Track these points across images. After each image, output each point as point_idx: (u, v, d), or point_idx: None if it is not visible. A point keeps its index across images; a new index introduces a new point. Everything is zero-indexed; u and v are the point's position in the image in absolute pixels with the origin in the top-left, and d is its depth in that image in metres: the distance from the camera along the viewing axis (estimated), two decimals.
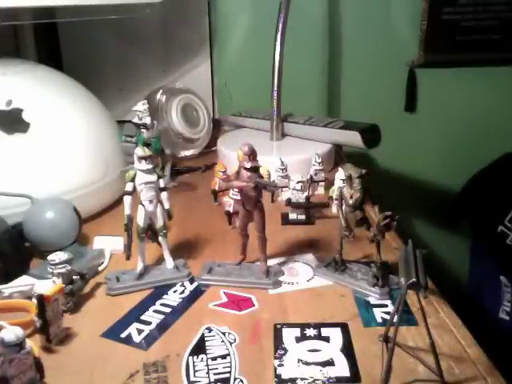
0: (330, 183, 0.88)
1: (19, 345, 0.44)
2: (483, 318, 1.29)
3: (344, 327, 0.57)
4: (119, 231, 0.69)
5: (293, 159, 0.94)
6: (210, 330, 0.57)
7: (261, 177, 0.64)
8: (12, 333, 0.44)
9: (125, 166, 0.90)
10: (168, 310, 0.62)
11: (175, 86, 1.18)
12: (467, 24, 1.30)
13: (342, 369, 0.51)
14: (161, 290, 0.65)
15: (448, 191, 1.42)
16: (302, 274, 0.68)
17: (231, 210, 0.78)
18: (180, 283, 0.67)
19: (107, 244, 0.74)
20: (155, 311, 0.61)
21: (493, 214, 1.30)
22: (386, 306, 0.61)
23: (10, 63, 0.85)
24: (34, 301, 0.54)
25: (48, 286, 0.57)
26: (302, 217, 0.83)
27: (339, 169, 0.72)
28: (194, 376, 0.50)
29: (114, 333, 0.58)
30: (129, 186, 0.64)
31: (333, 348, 0.54)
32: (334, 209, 0.68)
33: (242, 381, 0.50)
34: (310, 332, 0.57)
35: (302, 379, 0.50)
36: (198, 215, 0.86)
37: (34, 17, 0.97)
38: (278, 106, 1.04)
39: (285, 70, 1.02)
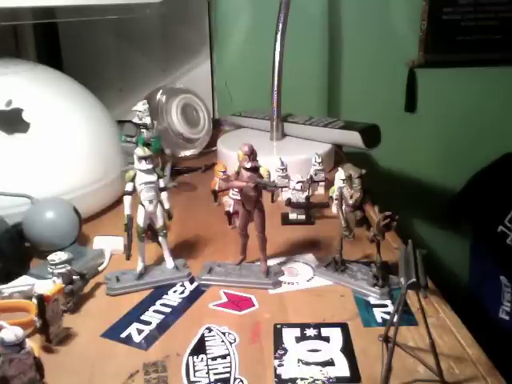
0: (329, 183, 0.88)
1: (19, 345, 0.44)
2: (483, 318, 1.28)
3: (344, 327, 0.57)
4: (119, 231, 0.69)
5: (293, 159, 0.94)
6: (210, 330, 0.57)
7: (261, 177, 0.64)
8: (12, 333, 0.44)
9: (125, 166, 0.90)
10: (168, 310, 0.62)
11: (175, 86, 1.18)
12: (467, 24, 1.30)
13: (341, 369, 0.51)
14: (161, 290, 0.65)
15: (448, 191, 1.42)
16: (302, 274, 0.68)
17: (231, 210, 0.78)
18: (180, 283, 0.67)
19: (107, 244, 0.74)
20: (155, 311, 0.61)
21: (493, 214, 1.30)
22: (386, 306, 0.61)
23: (10, 63, 0.85)
24: (34, 301, 0.54)
25: (48, 286, 0.57)
26: (302, 217, 0.83)
27: (339, 169, 0.72)
28: (194, 376, 0.50)
29: (114, 333, 0.58)
30: (129, 186, 0.64)
31: (333, 348, 0.54)
32: (334, 209, 0.68)
33: (241, 381, 0.50)
34: (310, 332, 0.57)
35: (302, 379, 0.50)
36: (197, 215, 0.86)
37: (34, 17, 0.97)
38: (277, 106, 1.04)
39: (285, 69, 1.02)
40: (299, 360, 0.52)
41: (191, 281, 0.67)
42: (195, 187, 0.99)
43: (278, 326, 0.58)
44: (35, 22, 1.09)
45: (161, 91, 1.12)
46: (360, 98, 1.35)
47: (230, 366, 0.52)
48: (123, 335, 0.57)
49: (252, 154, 0.62)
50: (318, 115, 1.12)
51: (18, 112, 0.79)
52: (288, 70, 1.04)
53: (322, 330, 0.57)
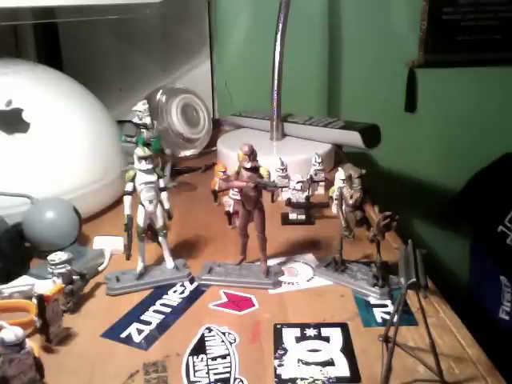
0: (329, 183, 0.88)
1: (19, 345, 0.44)
2: (483, 318, 1.28)
3: (344, 327, 0.57)
4: (119, 231, 0.69)
5: (293, 159, 0.94)
6: (210, 330, 0.57)
7: (261, 177, 0.64)
8: (12, 333, 0.44)
9: (125, 166, 0.90)
10: (168, 310, 0.62)
11: (175, 86, 1.18)
12: (467, 24, 1.30)
13: (342, 369, 0.51)
14: (161, 290, 0.65)
15: (448, 191, 1.42)
16: (302, 274, 0.68)
17: (231, 210, 0.78)
18: (180, 283, 0.67)
19: (107, 244, 0.74)
20: (155, 311, 0.61)
21: (493, 214, 1.30)
22: (386, 306, 0.61)
23: (10, 63, 0.85)
24: (34, 301, 0.54)
25: (48, 286, 0.57)
26: (302, 217, 0.83)
27: (339, 169, 0.72)
28: (194, 376, 0.50)
29: (114, 333, 0.58)
30: (129, 186, 0.64)
31: (333, 348, 0.54)
32: (334, 209, 0.68)
33: (241, 381, 0.50)
34: (310, 332, 0.57)
35: (302, 379, 0.50)
36: (197, 215, 0.86)
37: (34, 17, 0.97)
38: (277, 106, 1.04)
39: (285, 69, 1.02)
40: (299, 360, 0.52)
41: (191, 281, 0.67)
42: (195, 187, 0.99)
43: (278, 326, 0.58)
44: (35, 22, 1.09)
45: (161, 91, 1.12)
46: (360, 98, 1.35)
47: (230, 366, 0.52)
48: (123, 335, 0.57)
49: (252, 154, 0.62)
50: (318, 115, 1.12)
51: (18, 112, 0.79)
52: (288, 70, 1.04)
53: (322, 329, 0.57)
